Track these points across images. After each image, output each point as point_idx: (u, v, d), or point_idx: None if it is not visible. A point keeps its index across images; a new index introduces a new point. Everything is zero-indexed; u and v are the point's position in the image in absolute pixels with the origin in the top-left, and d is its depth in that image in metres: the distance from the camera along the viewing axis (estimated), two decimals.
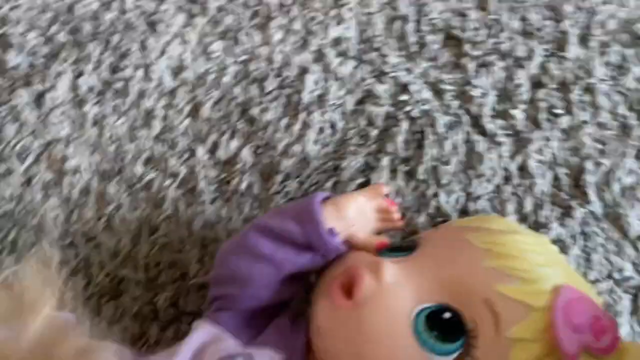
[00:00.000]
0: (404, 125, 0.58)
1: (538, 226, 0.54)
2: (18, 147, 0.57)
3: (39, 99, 0.59)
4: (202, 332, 0.41)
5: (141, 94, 0.59)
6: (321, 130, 0.58)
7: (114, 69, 0.60)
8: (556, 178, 0.56)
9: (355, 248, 0.44)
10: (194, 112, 0.58)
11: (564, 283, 0.37)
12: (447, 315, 0.37)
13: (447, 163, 0.56)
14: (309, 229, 0.42)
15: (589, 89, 0.59)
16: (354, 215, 0.44)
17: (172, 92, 0.59)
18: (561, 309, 0.35)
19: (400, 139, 0.57)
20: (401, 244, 0.44)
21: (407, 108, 0.58)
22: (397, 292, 0.37)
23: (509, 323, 0.35)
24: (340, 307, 0.38)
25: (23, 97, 0.59)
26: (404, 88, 0.59)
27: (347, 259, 0.42)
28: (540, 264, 0.38)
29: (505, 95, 0.59)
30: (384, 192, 0.48)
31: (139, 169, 0.56)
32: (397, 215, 0.47)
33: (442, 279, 0.38)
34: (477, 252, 0.39)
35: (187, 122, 0.58)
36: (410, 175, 0.56)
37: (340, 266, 0.41)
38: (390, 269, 0.38)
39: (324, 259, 0.42)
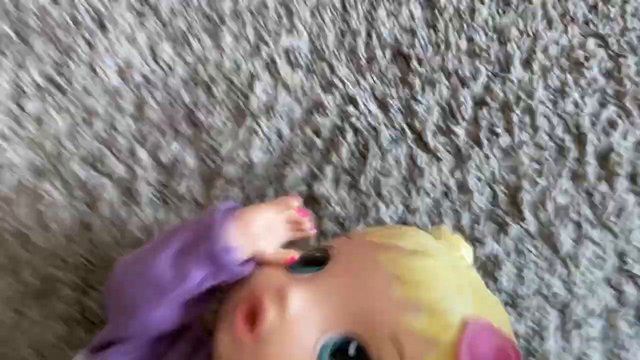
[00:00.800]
0: (349, 136, 0.58)
1: (474, 240, 0.56)
2: None
3: None
4: None
5: (85, 91, 0.58)
6: (267, 137, 0.58)
7: (59, 65, 0.59)
8: (494, 195, 0.57)
9: (264, 263, 0.41)
10: (138, 113, 0.58)
11: (472, 314, 0.36)
12: (351, 350, 0.35)
13: (388, 175, 0.57)
14: (204, 252, 0.38)
15: (529, 110, 0.61)
16: (262, 230, 0.41)
17: (117, 91, 0.58)
18: (467, 344, 0.34)
19: (344, 149, 0.57)
20: (312, 255, 0.41)
21: (353, 120, 0.59)
22: (301, 324, 0.35)
23: (414, 359, 0.34)
24: (241, 339, 0.35)
25: None
26: (351, 100, 0.60)
27: (252, 280, 0.39)
28: (449, 293, 0.36)
29: (449, 112, 0.60)
30: (295, 205, 0.44)
31: (76, 167, 0.55)
32: (309, 225, 0.45)
33: (349, 308, 0.36)
34: (386, 278, 0.36)
35: (129, 122, 0.57)
36: (352, 186, 0.56)
37: (244, 289, 0.39)
38: (296, 298, 0.36)
39: (217, 280, 0.39)
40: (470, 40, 0.64)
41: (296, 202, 0.44)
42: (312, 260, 0.40)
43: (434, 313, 0.35)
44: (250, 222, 0.40)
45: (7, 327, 0.49)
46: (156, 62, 0.60)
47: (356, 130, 0.59)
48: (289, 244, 0.44)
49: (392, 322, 0.35)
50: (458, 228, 0.56)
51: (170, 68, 0.60)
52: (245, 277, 0.40)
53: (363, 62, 0.62)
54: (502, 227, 0.56)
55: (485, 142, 0.59)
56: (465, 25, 0.64)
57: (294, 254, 0.41)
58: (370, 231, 0.47)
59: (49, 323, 0.50)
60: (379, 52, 0.62)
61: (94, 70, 0.59)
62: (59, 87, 0.58)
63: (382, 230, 0.49)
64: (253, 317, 0.35)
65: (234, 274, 0.39)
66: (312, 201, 0.56)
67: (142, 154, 0.56)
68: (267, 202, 0.47)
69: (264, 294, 0.36)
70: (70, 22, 0.60)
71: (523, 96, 0.61)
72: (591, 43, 0.63)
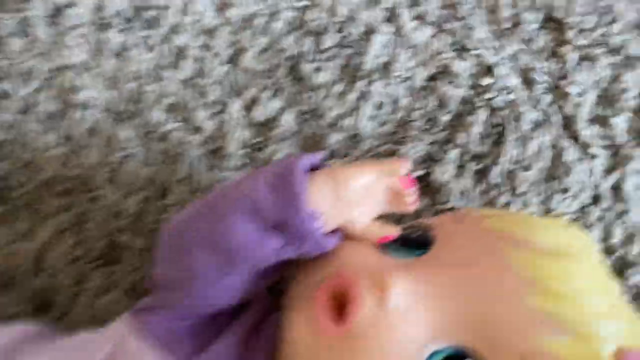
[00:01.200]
0: (482, 114, 0.48)
1: (625, 265, 0.45)
2: (23, 66, 0.48)
3: (56, 14, 0.50)
4: (116, 337, 0.32)
5: (175, 28, 0.50)
6: (381, 104, 0.48)
7: None
8: None
9: (352, 237, 0.33)
10: (234, 59, 0.50)
11: (628, 346, 0.28)
12: None
13: (527, 168, 0.47)
14: (285, 208, 0.30)
15: None
16: (358, 195, 0.33)
17: (212, 32, 0.50)
18: None
19: (475, 130, 0.47)
20: (411, 234, 0.35)
21: (489, 95, 0.48)
22: (403, 323, 0.28)
23: None
24: (325, 331, 0.28)
25: (38, 9, 0.50)
26: (488, 70, 0.49)
27: (339, 256, 0.32)
28: (599, 314, 0.29)
29: (608, 98, 0.49)
30: (402, 171, 0.34)
31: (159, 115, 0.48)
32: (413, 198, 0.35)
33: (466, 312, 0.29)
34: (517, 282, 0.29)
35: (224, 68, 0.49)
36: (482, 175, 0.47)
37: (330, 265, 0.31)
38: (399, 288, 0.29)
39: (299, 251, 0.31)
40: None
41: (404, 167, 0.35)
42: (411, 241, 0.34)
43: (582, 336, 0.28)
44: (344, 184, 0.32)
45: (65, 296, 0.42)
46: (260, 1, 0.51)
47: (491, 108, 0.48)
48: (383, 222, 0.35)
49: (525, 338, 0.28)
50: (607, 244, 0.45)
51: (275, 9, 0.51)
52: (329, 250, 0.32)
53: (506, 24, 0.51)
54: None
55: None
56: None
57: (394, 231, 0.34)
58: (487, 214, 0.37)
59: (115, 295, 0.43)
60: (527, 15, 0.51)
61: (187, 4, 0.51)
62: (146, 20, 0.50)
63: (504, 215, 0.39)
64: (339, 302, 0.29)
65: (318, 246, 0.32)
66: (428, 189, 0.46)
67: (235, 108, 0.48)
68: (368, 161, 0.39)
69: (359, 278, 0.29)
70: None
71: None
72: None
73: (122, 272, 0.43)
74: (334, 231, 0.33)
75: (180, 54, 0.49)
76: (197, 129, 0.47)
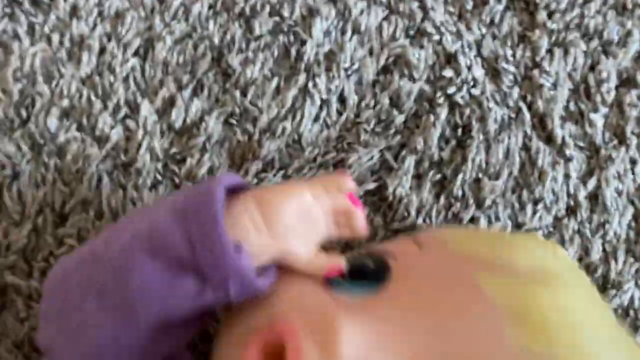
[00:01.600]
0: (443, 113, 0.42)
1: (606, 283, 0.41)
2: None
3: None
4: None
5: (73, 13, 0.43)
6: (325, 103, 0.43)
7: None
8: (638, 218, 0.42)
9: (292, 273, 0.29)
10: (146, 50, 0.43)
11: None
12: None
13: (495, 177, 0.42)
14: (200, 240, 0.25)
15: None
16: (294, 222, 0.28)
17: (119, 16, 0.44)
18: None
19: (435, 132, 0.42)
20: (363, 264, 0.30)
21: (451, 89, 0.43)
22: None
23: None
24: None
25: None
26: (449, 59, 0.44)
27: (274, 297, 0.27)
28: (598, 350, 0.26)
29: (584, 90, 0.44)
30: (348, 188, 0.31)
31: (53, 122, 0.41)
32: (361, 220, 0.31)
33: (434, 355, 0.25)
34: (495, 314, 0.25)
35: (133, 62, 0.43)
36: (442, 187, 0.42)
37: (262, 311, 0.27)
38: (350, 337, 0.24)
39: (221, 294, 0.26)
40: None
41: (349, 183, 0.31)
42: (364, 273, 0.29)
43: None
44: (275, 209, 0.28)
45: None
46: None
47: (453, 105, 0.43)
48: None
49: None
50: (586, 262, 0.41)
51: None
52: (262, 292, 0.28)
53: (469, 5, 0.45)
54: None
55: (632, 139, 0.43)
56: None
57: (342, 263, 0.29)
58: (453, 236, 0.33)
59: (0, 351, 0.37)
60: None
61: None
62: (36, 3, 0.43)
63: (471, 235, 0.35)
64: (276, 357, 0.25)
65: (246, 288, 0.27)
66: (382, 203, 0.41)
67: (148, 111, 0.42)
68: (305, 180, 0.35)
69: (298, 326, 0.25)
70: None
71: None
72: None
73: (10, 321, 0.37)
74: (265, 268, 0.28)
75: (78, 44, 0.43)
76: (100, 139, 0.41)
